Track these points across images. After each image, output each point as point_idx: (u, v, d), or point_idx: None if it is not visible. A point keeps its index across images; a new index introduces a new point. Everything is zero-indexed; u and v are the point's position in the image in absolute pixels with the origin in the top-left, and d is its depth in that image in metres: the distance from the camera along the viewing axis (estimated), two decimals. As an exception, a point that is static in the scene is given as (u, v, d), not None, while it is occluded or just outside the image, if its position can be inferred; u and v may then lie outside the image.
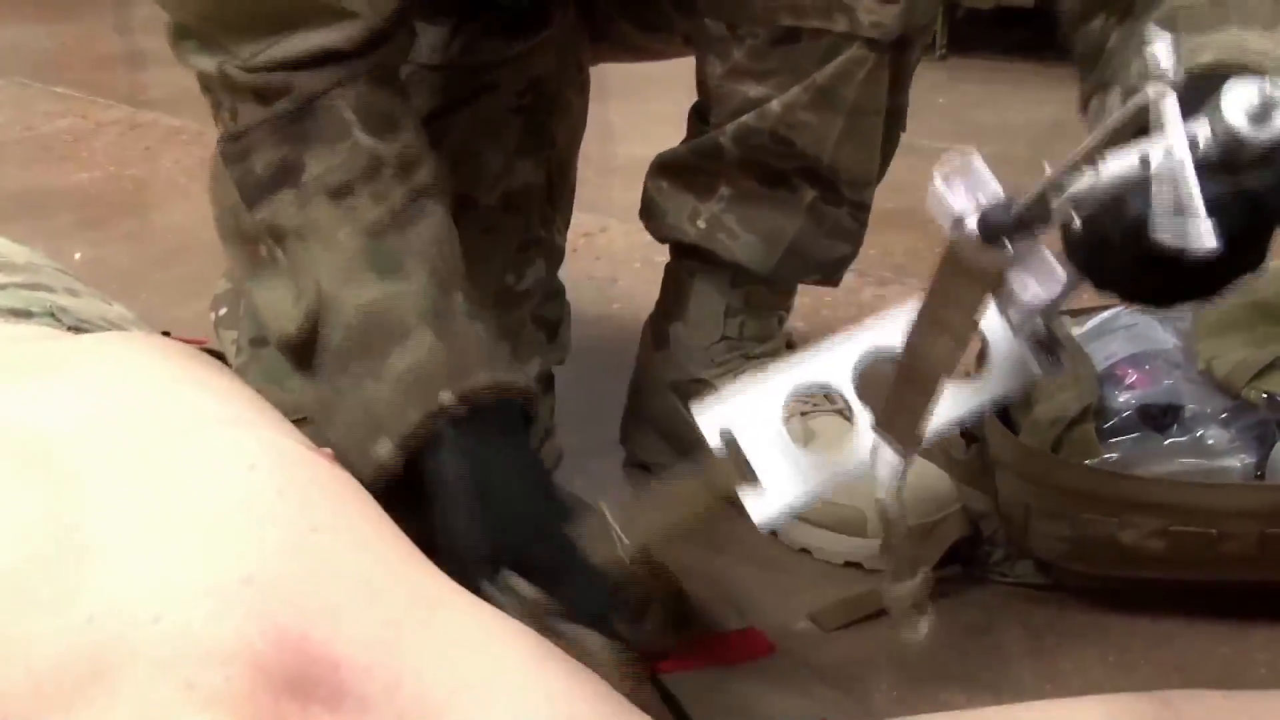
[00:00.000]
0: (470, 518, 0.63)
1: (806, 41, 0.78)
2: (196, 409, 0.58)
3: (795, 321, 1.03)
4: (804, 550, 0.89)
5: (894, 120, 0.84)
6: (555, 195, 0.95)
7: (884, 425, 0.57)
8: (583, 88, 0.97)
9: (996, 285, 0.49)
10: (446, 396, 0.64)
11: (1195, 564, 0.76)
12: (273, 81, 0.68)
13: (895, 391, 0.55)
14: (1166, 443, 0.78)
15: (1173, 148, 0.47)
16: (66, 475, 0.51)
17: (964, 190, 0.50)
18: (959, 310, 0.50)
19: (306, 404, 0.76)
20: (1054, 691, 0.75)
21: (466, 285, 0.70)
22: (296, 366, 0.70)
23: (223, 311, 0.98)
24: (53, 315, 0.72)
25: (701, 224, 0.87)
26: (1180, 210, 0.47)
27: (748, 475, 0.60)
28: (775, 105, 0.80)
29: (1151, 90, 0.48)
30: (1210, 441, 0.78)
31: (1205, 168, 0.48)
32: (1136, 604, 0.81)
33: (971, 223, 0.49)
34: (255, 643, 0.45)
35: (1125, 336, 0.86)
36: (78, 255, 1.45)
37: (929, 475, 0.89)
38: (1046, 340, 0.64)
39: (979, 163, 0.50)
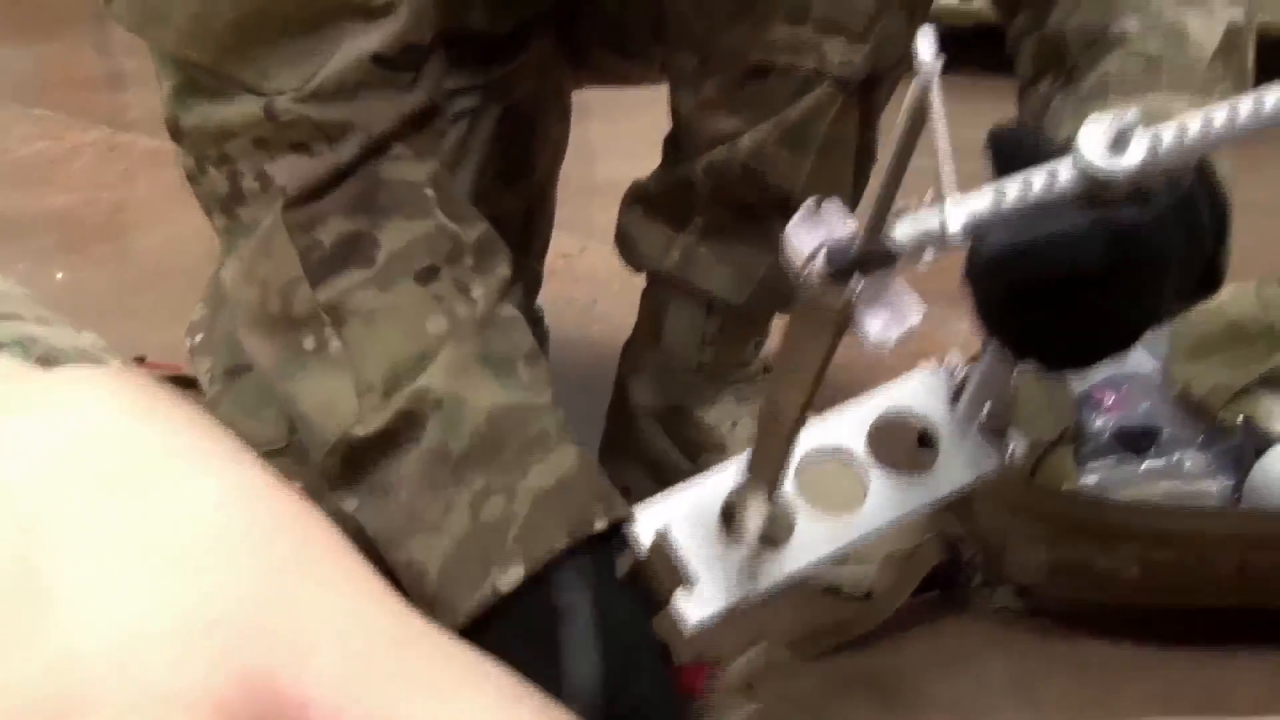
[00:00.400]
0: (592, 653, 0.58)
1: (776, 78, 0.78)
2: (162, 446, 0.58)
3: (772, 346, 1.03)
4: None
5: (864, 156, 0.84)
6: (534, 222, 0.95)
7: (752, 473, 0.56)
8: (563, 114, 0.96)
9: (842, 324, 0.48)
10: (601, 523, 0.58)
11: (1173, 590, 0.76)
12: (329, 116, 0.60)
13: (758, 442, 0.54)
14: (1144, 467, 0.78)
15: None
16: (25, 518, 0.51)
17: (815, 232, 0.49)
18: (807, 354, 0.49)
19: (274, 437, 0.76)
20: (1034, 720, 0.75)
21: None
22: (348, 473, 0.62)
23: (198, 339, 0.96)
24: (22, 345, 0.72)
25: (675, 255, 0.87)
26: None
27: (683, 575, 0.57)
28: (746, 140, 0.80)
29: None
30: (1188, 465, 0.78)
31: (1068, 203, 0.47)
32: (1117, 629, 0.81)
33: (818, 262, 0.48)
34: (220, 687, 0.44)
35: (1103, 360, 0.86)
36: (59, 275, 1.44)
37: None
38: (1000, 427, 0.63)
39: (832, 204, 0.50)
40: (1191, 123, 0.51)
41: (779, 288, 0.87)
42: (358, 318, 0.61)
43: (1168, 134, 0.50)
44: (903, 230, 0.48)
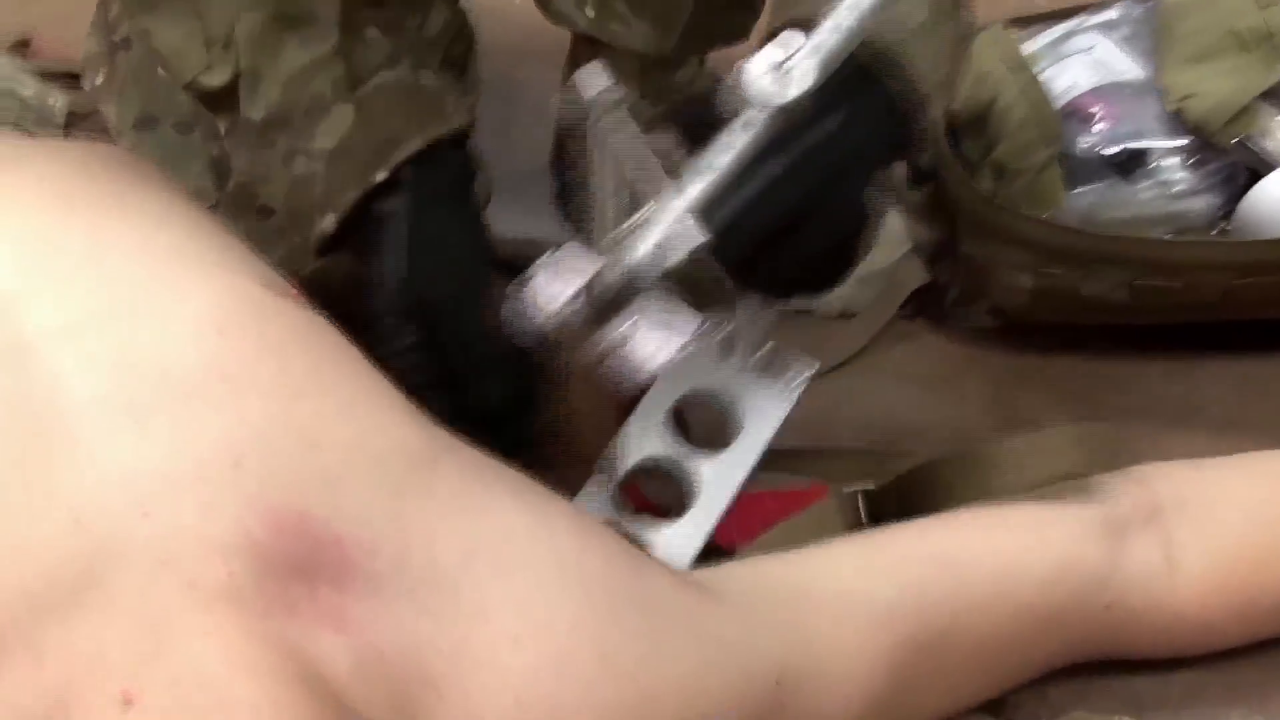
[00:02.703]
0: (395, 272, 0.63)
1: None
2: (149, 251, 0.52)
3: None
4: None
5: None
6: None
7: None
8: None
9: (607, 362, 0.51)
10: (380, 175, 0.63)
11: (1157, 312, 0.77)
12: None
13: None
14: (1133, 188, 0.77)
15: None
16: (23, 349, 0.47)
17: (565, 279, 0.52)
18: (589, 390, 0.54)
19: (203, 190, 0.71)
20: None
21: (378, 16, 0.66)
22: (211, 109, 0.68)
23: (99, 80, 0.87)
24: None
25: (590, 11, 0.80)
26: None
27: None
28: None
29: None
30: (1177, 184, 0.76)
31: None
32: (1092, 343, 0.82)
33: (579, 305, 0.50)
34: (254, 530, 0.42)
35: (1086, 63, 0.82)
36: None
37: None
38: (779, 364, 0.67)
39: (571, 248, 0.52)
40: (842, 16, 0.56)
41: (706, 31, 0.81)
42: None
43: (827, 39, 0.55)
44: (644, 247, 0.50)
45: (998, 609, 0.55)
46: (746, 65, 0.55)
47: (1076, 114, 0.79)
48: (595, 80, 0.44)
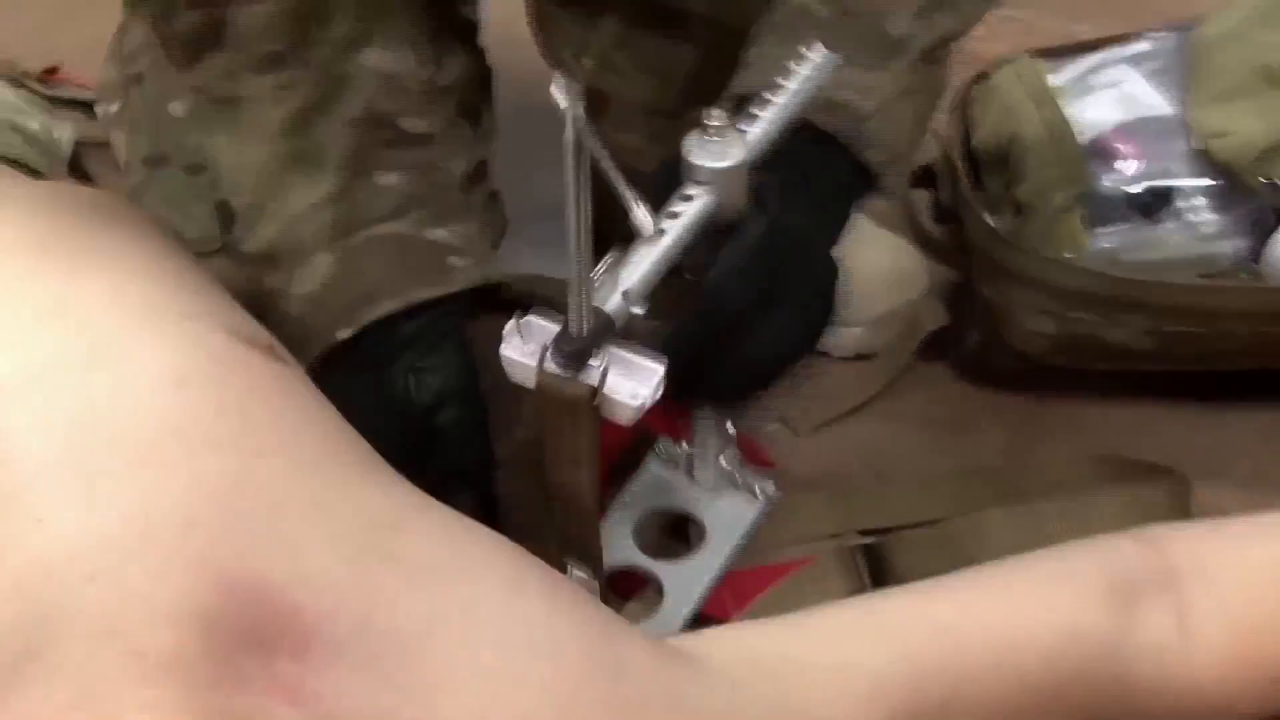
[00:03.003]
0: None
1: None
2: (117, 303, 0.51)
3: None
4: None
5: None
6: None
7: (569, 555, 0.59)
8: None
9: (592, 406, 0.51)
10: (344, 332, 0.62)
11: (1183, 359, 0.74)
12: None
13: (563, 528, 0.58)
14: (1158, 230, 0.74)
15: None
16: None
17: (530, 342, 0.52)
18: (575, 441, 0.52)
19: (207, 235, 0.70)
20: (1032, 489, 0.74)
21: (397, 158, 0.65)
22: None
23: (113, 109, 0.86)
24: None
25: (588, 63, 0.78)
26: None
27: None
28: None
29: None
30: (1204, 227, 0.73)
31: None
32: (1116, 389, 0.79)
33: (549, 364, 0.51)
34: (205, 596, 0.39)
35: (1114, 98, 0.79)
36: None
37: (900, 249, 0.84)
38: (743, 479, 0.71)
39: (531, 316, 0.52)
40: (774, 100, 0.58)
41: (709, 77, 0.79)
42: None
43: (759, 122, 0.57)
44: (608, 299, 0.51)
45: (999, 681, 0.52)
46: (689, 136, 0.56)
47: (1102, 151, 0.76)
48: (569, 92, 0.43)
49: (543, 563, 0.49)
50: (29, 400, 0.45)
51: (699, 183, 0.55)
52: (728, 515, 0.70)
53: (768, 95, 0.58)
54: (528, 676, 0.43)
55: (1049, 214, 0.74)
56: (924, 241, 0.86)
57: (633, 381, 0.50)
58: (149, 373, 0.47)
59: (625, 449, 0.74)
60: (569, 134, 0.45)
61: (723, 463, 0.70)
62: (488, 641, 0.43)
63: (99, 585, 0.39)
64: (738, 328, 0.59)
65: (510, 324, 0.51)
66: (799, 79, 0.59)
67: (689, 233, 0.55)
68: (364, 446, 0.51)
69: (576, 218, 0.47)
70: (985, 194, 0.79)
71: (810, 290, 0.61)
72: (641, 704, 0.45)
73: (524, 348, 0.51)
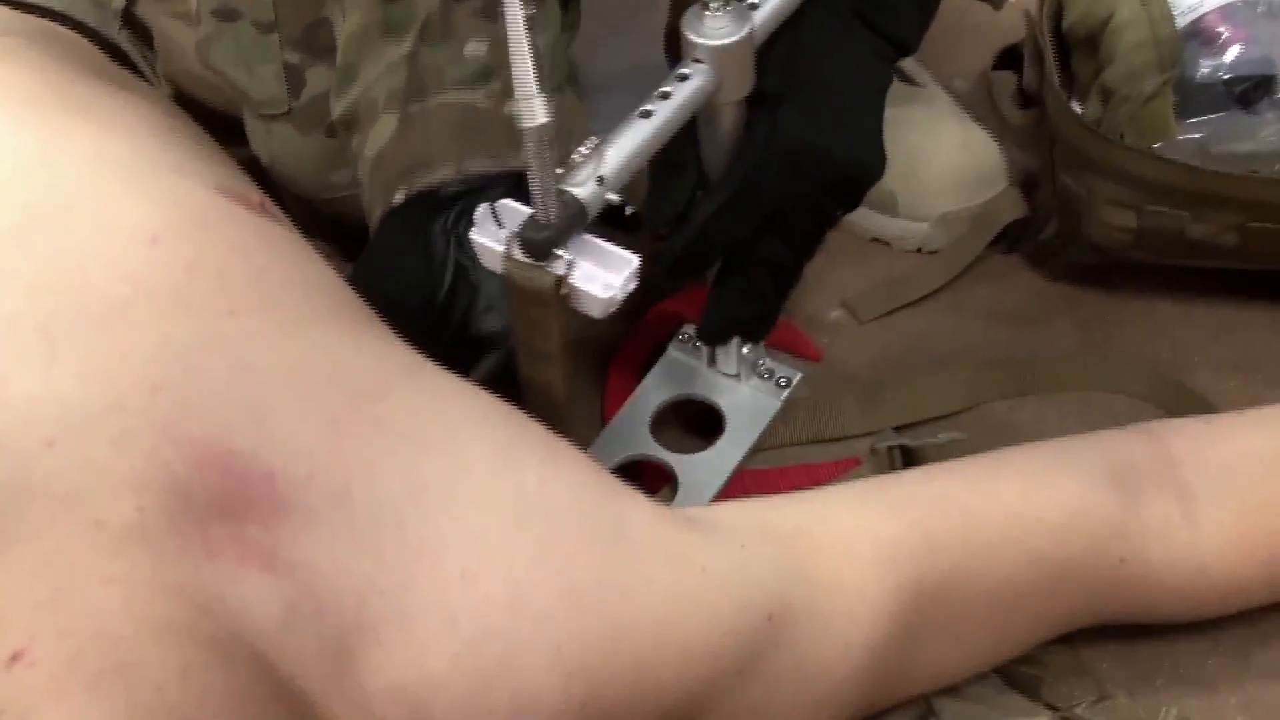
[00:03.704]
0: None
1: None
2: (103, 157, 0.48)
3: None
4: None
5: None
6: None
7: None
8: None
9: (560, 297, 0.48)
10: (398, 196, 0.60)
11: (1268, 258, 0.70)
12: None
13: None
14: (1254, 120, 0.69)
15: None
16: None
17: (499, 228, 0.49)
18: (545, 334, 0.51)
19: (274, 97, 0.68)
20: (1099, 393, 0.72)
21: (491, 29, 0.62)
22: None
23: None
24: None
25: None
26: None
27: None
28: None
29: None
30: (1303, 117, 0.69)
31: None
32: (1195, 287, 0.76)
33: (515, 250, 0.48)
34: (171, 463, 0.37)
35: (1216, -23, 0.74)
36: None
37: (977, 145, 0.81)
38: (767, 368, 0.69)
39: (504, 201, 0.49)
40: None
41: None
42: None
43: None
44: (584, 184, 0.48)
45: (1008, 556, 0.52)
46: (690, 9, 0.51)
47: (1200, 35, 0.72)
48: None
49: (540, 426, 0.47)
50: None
51: (697, 60, 0.52)
52: (749, 405, 0.68)
53: None
54: (518, 540, 0.42)
55: (1138, 101, 0.70)
56: (1005, 127, 0.82)
57: (605, 272, 0.48)
58: (123, 229, 0.44)
59: (660, 343, 0.72)
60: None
61: (745, 350, 0.68)
62: (473, 507, 0.42)
63: (58, 451, 0.37)
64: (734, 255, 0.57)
65: (483, 207, 0.49)
66: None
67: (680, 114, 0.51)
68: (357, 308, 0.49)
69: (527, 71, 0.44)
70: (1072, 79, 0.75)
71: (825, 204, 0.58)
72: (641, 563, 0.44)
73: (495, 233, 0.49)
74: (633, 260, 0.48)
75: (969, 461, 0.56)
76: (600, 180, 0.49)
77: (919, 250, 0.80)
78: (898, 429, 0.70)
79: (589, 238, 0.48)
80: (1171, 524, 0.54)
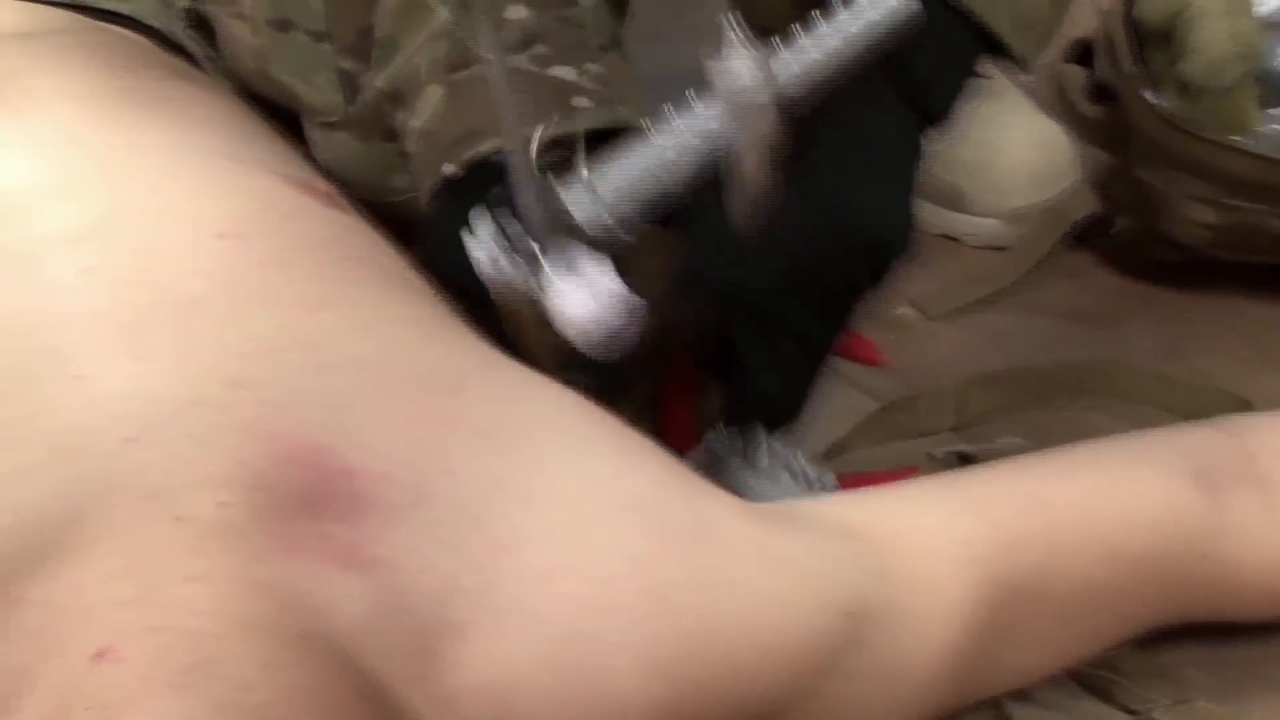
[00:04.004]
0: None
1: None
2: (176, 152, 0.49)
3: None
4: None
5: None
6: None
7: None
8: None
9: (538, 312, 0.47)
10: (449, 168, 0.58)
11: (1356, 254, 0.68)
12: None
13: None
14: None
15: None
16: (16, 260, 0.43)
17: (493, 242, 0.48)
18: (533, 347, 0.49)
19: (330, 106, 0.68)
20: (1177, 388, 0.70)
21: None
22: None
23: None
24: None
25: None
26: None
27: None
28: None
29: None
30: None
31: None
32: (1274, 286, 0.74)
33: (505, 263, 0.47)
34: (252, 460, 0.37)
35: (1297, -35, 0.73)
36: None
37: (1048, 138, 0.79)
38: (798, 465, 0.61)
39: (499, 202, 0.48)
40: (828, 31, 0.50)
41: None
42: None
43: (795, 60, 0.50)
44: (579, 200, 0.47)
45: (1091, 553, 0.50)
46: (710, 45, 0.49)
47: (1278, 25, 0.70)
48: None
49: (619, 422, 0.46)
50: (77, 254, 0.43)
51: (715, 101, 0.50)
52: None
53: (824, 24, 0.52)
54: (599, 538, 0.41)
55: (1217, 93, 0.68)
56: (1076, 121, 0.80)
57: (583, 295, 0.46)
58: (199, 223, 0.45)
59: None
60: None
61: (777, 447, 0.63)
62: (554, 503, 0.41)
63: (140, 447, 0.37)
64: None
65: (478, 209, 0.47)
66: (863, 15, 0.51)
67: (692, 152, 0.49)
68: (431, 299, 0.49)
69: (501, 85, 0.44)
70: (1148, 71, 0.74)
71: (854, 275, 0.55)
72: (725, 561, 0.43)
73: (485, 237, 0.47)
74: (615, 287, 0.46)
75: (1048, 457, 0.55)
76: (594, 195, 0.47)
77: (988, 247, 0.79)
78: (955, 430, 0.68)
79: (576, 255, 0.47)
80: (1254, 519, 0.53)
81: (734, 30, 0.48)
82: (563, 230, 0.46)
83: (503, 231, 0.47)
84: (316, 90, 0.68)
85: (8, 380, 0.39)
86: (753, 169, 0.52)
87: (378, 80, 0.62)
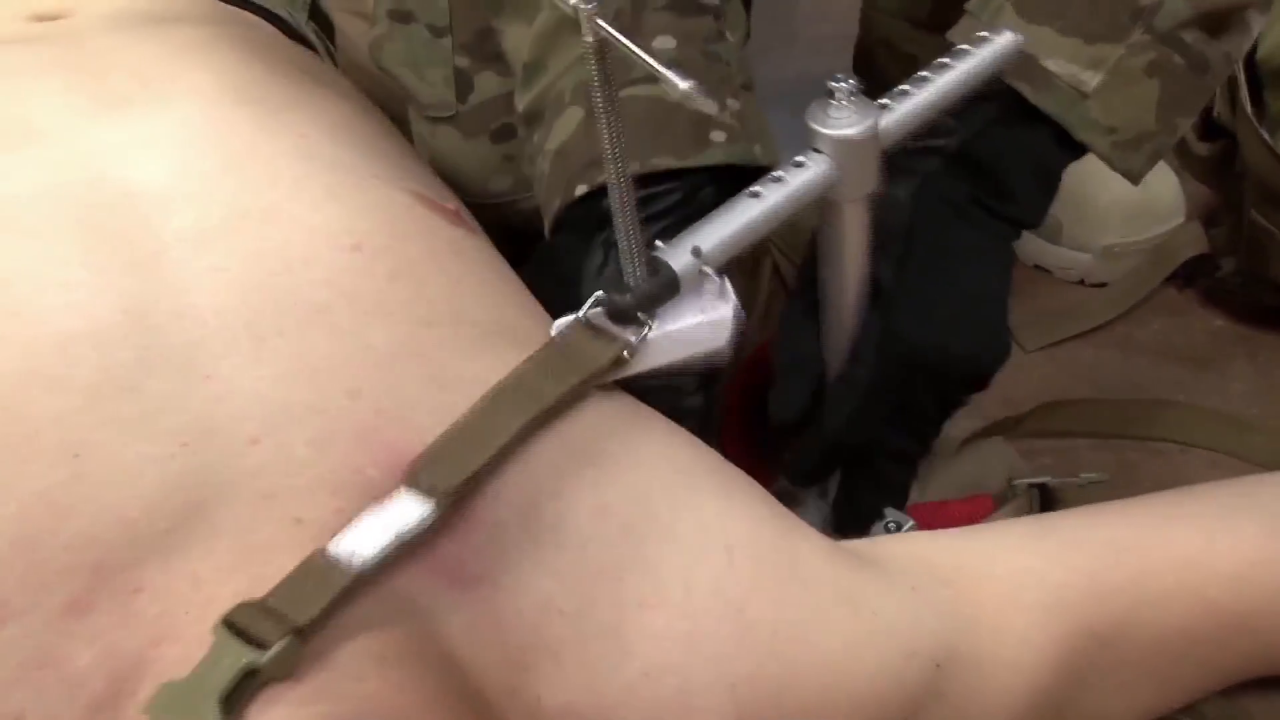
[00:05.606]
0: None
1: None
2: (306, 157, 0.50)
3: None
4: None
5: None
6: None
7: None
8: None
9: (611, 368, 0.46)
10: (580, 189, 0.58)
11: None
12: None
13: None
14: None
15: None
16: (148, 256, 0.44)
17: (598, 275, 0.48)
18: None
19: (441, 101, 0.69)
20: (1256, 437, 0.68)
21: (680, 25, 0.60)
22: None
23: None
24: None
25: None
26: None
27: None
28: None
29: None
30: None
31: None
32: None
33: (594, 313, 0.46)
34: (365, 468, 0.38)
35: None
36: None
37: (1152, 178, 0.77)
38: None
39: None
40: (933, 79, 0.51)
41: None
42: None
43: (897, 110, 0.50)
44: (677, 254, 0.46)
45: (1181, 605, 0.49)
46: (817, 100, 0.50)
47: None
48: None
49: (719, 456, 0.47)
50: (206, 254, 0.44)
51: (816, 150, 0.49)
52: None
53: (927, 73, 0.52)
54: (696, 574, 0.41)
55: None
56: (1186, 158, 0.79)
57: (700, 322, 0.47)
58: (327, 232, 0.46)
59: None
60: (587, 37, 0.41)
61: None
62: (654, 536, 0.42)
63: (262, 449, 0.39)
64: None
65: (599, 239, 0.47)
66: (970, 63, 0.51)
67: (791, 203, 0.49)
68: (543, 322, 0.49)
69: (611, 140, 0.44)
70: (1265, 112, 0.72)
71: (948, 394, 0.56)
72: (817, 605, 0.43)
73: (592, 270, 0.48)
74: (727, 304, 0.47)
75: (1141, 504, 0.54)
76: (696, 252, 0.47)
77: (1081, 282, 0.78)
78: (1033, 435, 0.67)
79: (670, 319, 0.47)
80: None
81: (844, 85, 0.48)
82: (667, 286, 0.46)
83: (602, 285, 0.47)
84: (428, 85, 0.69)
85: (137, 373, 0.40)
86: (852, 218, 0.52)
87: (519, 104, 0.62)
